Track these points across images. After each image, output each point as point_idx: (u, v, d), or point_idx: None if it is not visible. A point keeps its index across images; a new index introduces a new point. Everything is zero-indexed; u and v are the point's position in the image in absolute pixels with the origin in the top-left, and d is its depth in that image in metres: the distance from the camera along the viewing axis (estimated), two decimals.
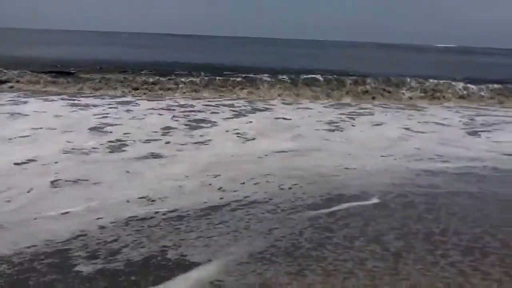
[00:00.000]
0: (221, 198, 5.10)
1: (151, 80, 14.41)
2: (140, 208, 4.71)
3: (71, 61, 18.85)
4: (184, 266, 3.65)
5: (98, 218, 4.42)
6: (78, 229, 4.18)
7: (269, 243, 4.11)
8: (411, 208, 5.08)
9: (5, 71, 14.26)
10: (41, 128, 8.07)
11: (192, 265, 3.67)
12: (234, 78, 14.84)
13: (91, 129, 8.23)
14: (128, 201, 4.89)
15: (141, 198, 5.00)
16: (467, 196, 5.55)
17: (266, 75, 15.52)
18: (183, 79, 14.51)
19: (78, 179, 5.46)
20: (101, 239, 4.01)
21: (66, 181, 5.38)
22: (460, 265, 3.83)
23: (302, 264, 3.77)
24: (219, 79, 14.64)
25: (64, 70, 15.57)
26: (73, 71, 15.59)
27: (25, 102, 11.12)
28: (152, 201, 4.93)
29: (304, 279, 3.55)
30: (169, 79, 14.63)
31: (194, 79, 14.57)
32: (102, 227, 4.25)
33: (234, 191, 5.33)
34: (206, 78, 14.74)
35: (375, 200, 5.28)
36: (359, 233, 4.40)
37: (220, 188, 5.41)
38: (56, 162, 6.05)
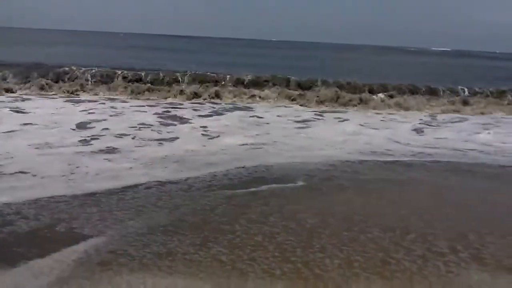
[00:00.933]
0: (144, 182, 5.43)
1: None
2: (56, 191, 5.02)
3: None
4: (74, 239, 3.88)
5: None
6: None
7: (175, 217, 4.45)
8: (336, 191, 5.53)
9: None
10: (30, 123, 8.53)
11: (83, 238, 3.91)
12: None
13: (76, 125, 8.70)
14: (45, 185, 5.21)
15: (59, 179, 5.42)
16: (394, 182, 6.10)
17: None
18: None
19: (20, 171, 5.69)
20: None
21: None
22: (381, 242, 4.07)
23: (209, 236, 4.05)
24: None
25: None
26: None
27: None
28: (72, 182, 5.34)
29: (209, 250, 3.82)
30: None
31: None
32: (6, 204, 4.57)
33: (159, 175, 5.73)
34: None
35: (300, 183, 5.72)
36: (276, 211, 4.75)
37: (146, 174, 5.78)
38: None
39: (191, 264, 3.60)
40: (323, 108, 12.75)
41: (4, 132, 7.72)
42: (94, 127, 8.62)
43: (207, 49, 46.67)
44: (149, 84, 13.97)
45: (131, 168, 6.05)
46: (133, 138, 7.82)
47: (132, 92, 13.36)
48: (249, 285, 3.37)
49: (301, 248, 3.92)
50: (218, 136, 8.41)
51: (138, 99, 12.88)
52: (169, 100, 12.97)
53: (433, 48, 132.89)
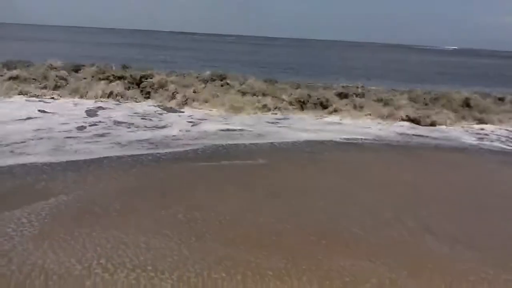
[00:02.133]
0: (120, 155, 6.31)
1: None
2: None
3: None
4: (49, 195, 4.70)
5: None
6: None
7: (142, 183, 5.30)
8: (292, 168, 6.35)
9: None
10: None
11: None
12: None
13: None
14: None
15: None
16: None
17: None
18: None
19: None
20: None
21: None
22: (331, 210, 4.81)
23: (170, 198, 4.83)
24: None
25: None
26: None
27: None
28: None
29: (168, 210, 4.53)
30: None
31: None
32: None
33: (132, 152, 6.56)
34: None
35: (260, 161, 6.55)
36: (232, 181, 5.56)
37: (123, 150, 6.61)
38: None
39: (155, 222, 4.24)
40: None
41: None
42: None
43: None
44: None
45: (112, 147, 6.78)
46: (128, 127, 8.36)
47: None
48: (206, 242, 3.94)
49: (252, 213, 4.55)
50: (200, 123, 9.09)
51: None
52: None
53: (446, 47, 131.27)
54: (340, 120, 10.33)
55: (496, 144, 8.77)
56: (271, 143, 7.59)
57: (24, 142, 6.68)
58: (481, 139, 9.13)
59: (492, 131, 9.94)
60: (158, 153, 6.53)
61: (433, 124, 10.09)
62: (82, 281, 3.23)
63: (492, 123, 10.59)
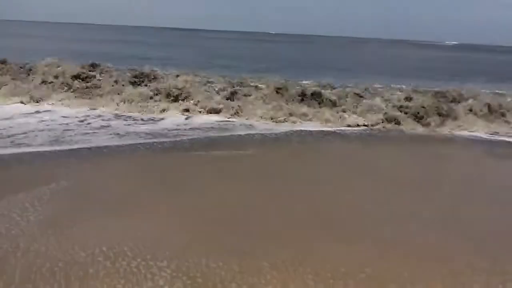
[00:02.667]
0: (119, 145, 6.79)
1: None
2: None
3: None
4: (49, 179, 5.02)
5: None
6: None
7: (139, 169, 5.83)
8: (279, 158, 6.78)
9: None
10: None
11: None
12: None
13: None
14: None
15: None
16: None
17: None
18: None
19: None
20: None
21: None
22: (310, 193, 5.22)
23: (166, 184, 5.28)
24: None
25: None
26: None
27: None
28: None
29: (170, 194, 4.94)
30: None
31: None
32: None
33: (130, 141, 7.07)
34: None
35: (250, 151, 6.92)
36: (217, 168, 6.04)
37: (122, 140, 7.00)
38: None
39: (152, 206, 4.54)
40: None
41: None
42: None
43: None
44: None
45: (112, 138, 7.14)
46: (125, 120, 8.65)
47: None
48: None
49: (238, 199, 4.86)
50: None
51: None
52: None
53: (447, 42, 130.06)
54: None
55: None
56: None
57: None
58: None
59: None
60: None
61: None
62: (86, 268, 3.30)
63: None
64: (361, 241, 3.97)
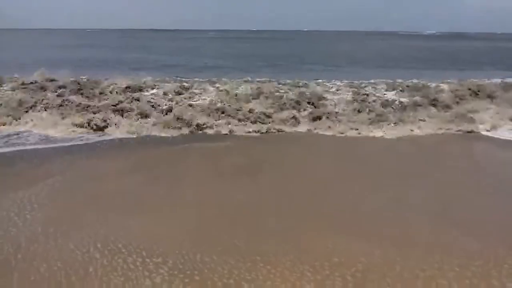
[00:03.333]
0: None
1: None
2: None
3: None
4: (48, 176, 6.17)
5: None
6: None
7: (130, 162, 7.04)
8: (253, 150, 7.81)
9: None
10: None
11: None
12: None
13: None
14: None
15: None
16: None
17: None
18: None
19: None
20: None
21: None
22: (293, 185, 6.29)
23: (154, 173, 6.42)
24: None
25: None
26: None
27: None
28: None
29: (154, 187, 5.90)
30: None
31: None
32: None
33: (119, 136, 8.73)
34: None
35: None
36: (197, 158, 7.28)
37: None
38: None
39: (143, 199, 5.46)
40: None
41: None
42: None
43: None
44: None
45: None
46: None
47: None
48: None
49: (221, 190, 5.66)
50: None
51: None
52: None
53: (427, 32, 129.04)
54: None
55: None
56: None
57: None
58: None
59: None
60: None
61: None
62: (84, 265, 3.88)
63: None
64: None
